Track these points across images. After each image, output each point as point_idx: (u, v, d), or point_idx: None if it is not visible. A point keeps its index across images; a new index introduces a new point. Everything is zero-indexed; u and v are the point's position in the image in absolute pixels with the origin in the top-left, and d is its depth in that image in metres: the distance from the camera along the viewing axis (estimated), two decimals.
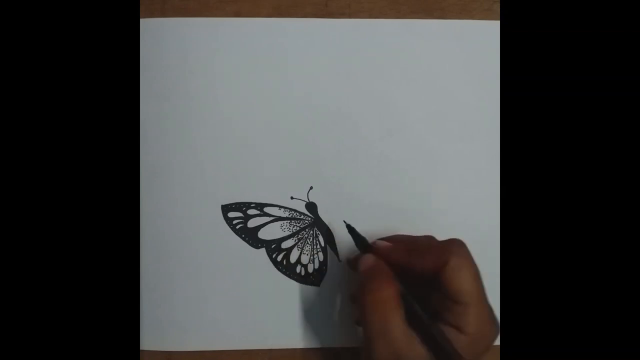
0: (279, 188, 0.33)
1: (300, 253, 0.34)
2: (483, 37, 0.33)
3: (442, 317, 0.26)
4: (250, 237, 0.33)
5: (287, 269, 0.33)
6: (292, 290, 0.33)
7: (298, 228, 0.33)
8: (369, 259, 0.28)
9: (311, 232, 0.33)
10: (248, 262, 0.33)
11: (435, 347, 0.25)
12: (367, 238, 0.30)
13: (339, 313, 0.33)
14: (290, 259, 0.34)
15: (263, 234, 0.33)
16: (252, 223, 0.33)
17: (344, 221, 0.31)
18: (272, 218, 0.33)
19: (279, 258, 0.33)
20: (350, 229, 0.30)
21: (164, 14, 0.32)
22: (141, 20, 0.32)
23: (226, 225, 0.33)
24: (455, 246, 0.26)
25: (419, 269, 0.26)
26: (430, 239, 0.29)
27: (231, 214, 0.33)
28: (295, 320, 0.33)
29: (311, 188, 0.33)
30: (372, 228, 0.33)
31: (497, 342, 0.27)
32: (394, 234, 0.31)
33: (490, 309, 0.27)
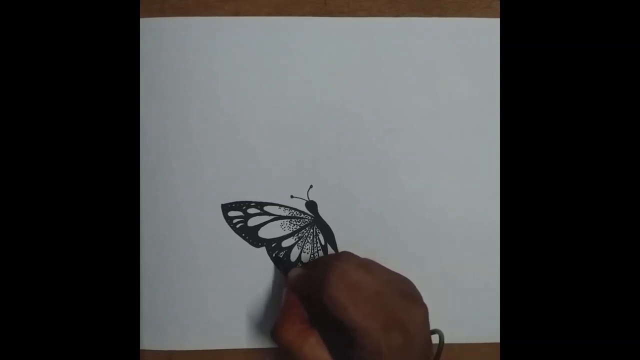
0: (279, 187, 0.33)
1: (301, 252, 0.34)
2: (483, 35, 0.33)
3: (348, 341, 0.26)
4: (251, 236, 0.33)
5: (287, 268, 0.33)
6: None
7: (298, 227, 0.33)
8: (283, 294, 0.30)
9: (311, 230, 0.33)
10: (248, 261, 0.33)
11: None
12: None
13: None
14: (291, 258, 0.34)
15: (263, 233, 0.33)
16: (252, 222, 0.33)
17: (273, 255, 0.33)
18: (272, 217, 0.33)
19: (280, 257, 0.33)
20: (276, 260, 0.33)
21: (163, 13, 0.32)
22: (141, 20, 0.32)
23: (226, 224, 0.33)
24: (329, 276, 0.26)
25: (314, 299, 0.27)
26: (325, 264, 0.28)
27: (231, 213, 0.33)
28: None
29: (311, 187, 0.33)
30: (372, 227, 0.33)
31: (497, 339, 0.27)
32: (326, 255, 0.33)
33: (392, 318, 0.26)
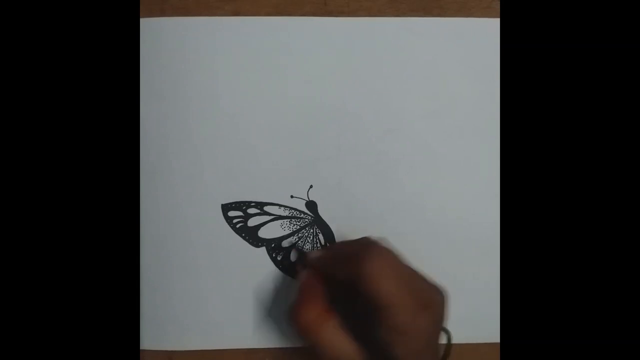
0: (279, 187, 0.33)
1: None
2: (483, 35, 0.33)
3: (375, 321, 0.25)
4: (251, 236, 0.33)
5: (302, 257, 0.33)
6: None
7: (298, 227, 0.33)
8: (301, 275, 0.29)
9: (311, 230, 0.33)
10: (248, 261, 0.33)
11: (375, 351, 0.25)
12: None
13: None
14: (291, 258, 0.34)
15: (263, 233, 0.33)
16: (252, 222, 0.33)
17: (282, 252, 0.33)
18: (272, 217, 0.33)
19: (279, 257, 0.33)
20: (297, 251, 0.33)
21: (163, 13, 0.32)
22: (141, 20, 0.32)
23: (226, 224, 0.33)
24: (367, 251, 0.26)
25: (342, 278, 0.26)
26: (354, 243, 0.29)
27: (231, 213, 0.33)
28: None
29: (311, 187, 0.33)
30: (372, 227, 0.33)
31: (497, 339, 0.27)
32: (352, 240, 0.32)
33: (422, 300, 0.26)
